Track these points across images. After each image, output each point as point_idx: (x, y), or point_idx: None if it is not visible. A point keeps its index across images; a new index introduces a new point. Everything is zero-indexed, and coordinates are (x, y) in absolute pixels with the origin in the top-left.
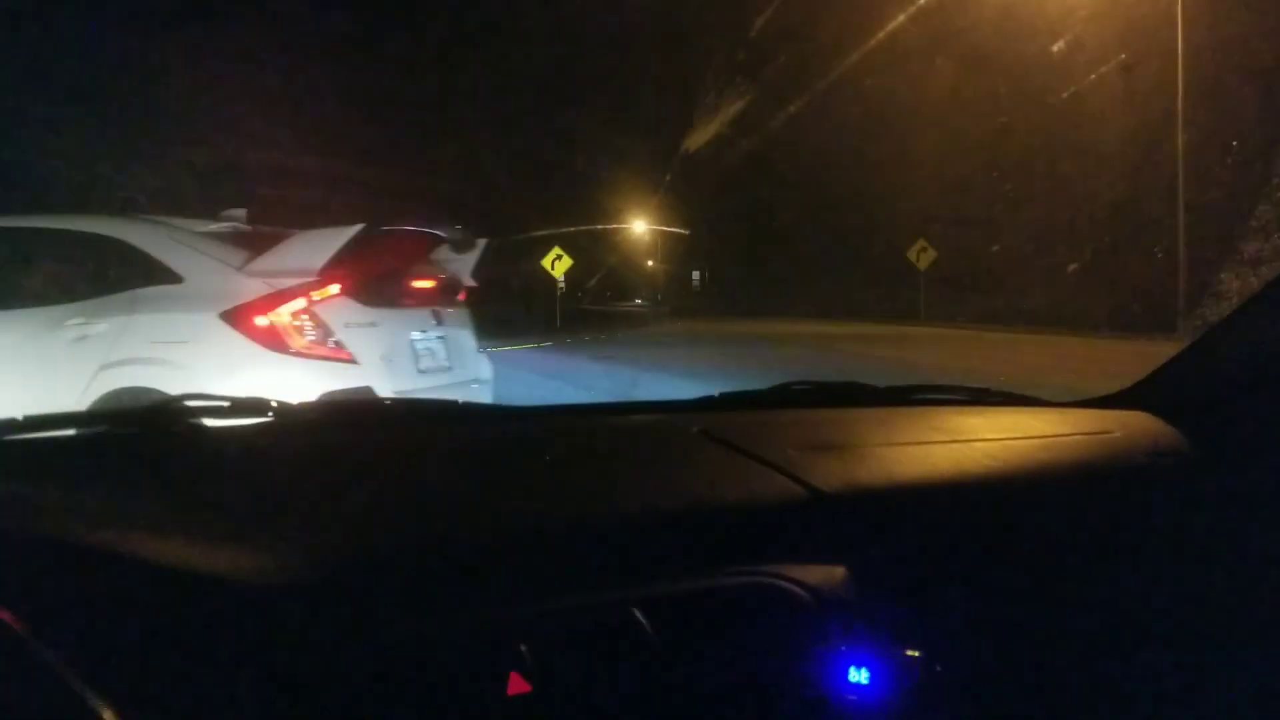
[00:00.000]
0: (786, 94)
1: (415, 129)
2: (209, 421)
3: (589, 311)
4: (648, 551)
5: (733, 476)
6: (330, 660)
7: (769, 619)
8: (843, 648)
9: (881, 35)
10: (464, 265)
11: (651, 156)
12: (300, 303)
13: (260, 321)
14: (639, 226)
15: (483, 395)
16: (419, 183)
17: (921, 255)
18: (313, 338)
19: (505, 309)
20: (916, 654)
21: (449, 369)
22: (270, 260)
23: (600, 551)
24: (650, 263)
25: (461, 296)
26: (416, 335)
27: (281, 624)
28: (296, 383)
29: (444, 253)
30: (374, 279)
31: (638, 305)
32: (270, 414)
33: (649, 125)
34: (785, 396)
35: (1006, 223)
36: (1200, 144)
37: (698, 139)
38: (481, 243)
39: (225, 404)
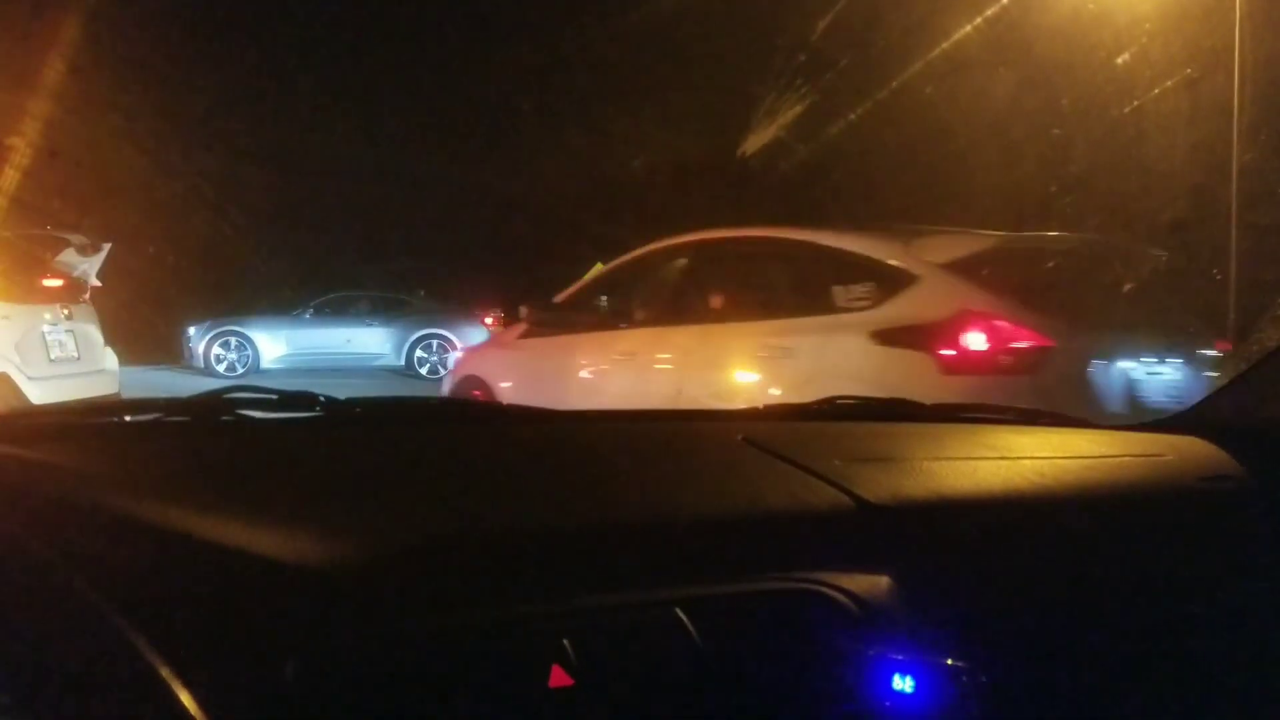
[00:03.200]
0: (844, 99)
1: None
2: (255, 413)
3: None
4: (692, 554)
5: (777, 484)
6: (379, 644)
7: (812, 625)
8: (886, 655)
9: (944, 43)
10: (90, 267)
11: (690, 164)
12: None
13: None
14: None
15: (108, 385)
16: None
17: None
18: None
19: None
20: (960, 664)
21: (78, 359)
22: None
23: (645, 552)
24: None
25: (86, 295)
26: (47, 328)
27: (332, 607)
28: None
29: (70, 255)
30: (6, 277)
31: None
32: (316, 408)
33: (685, 132)
34: (829, 409)
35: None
36: (1262, 164)
37: (753, 143)
38: (106, 246)
39: (273, 397)
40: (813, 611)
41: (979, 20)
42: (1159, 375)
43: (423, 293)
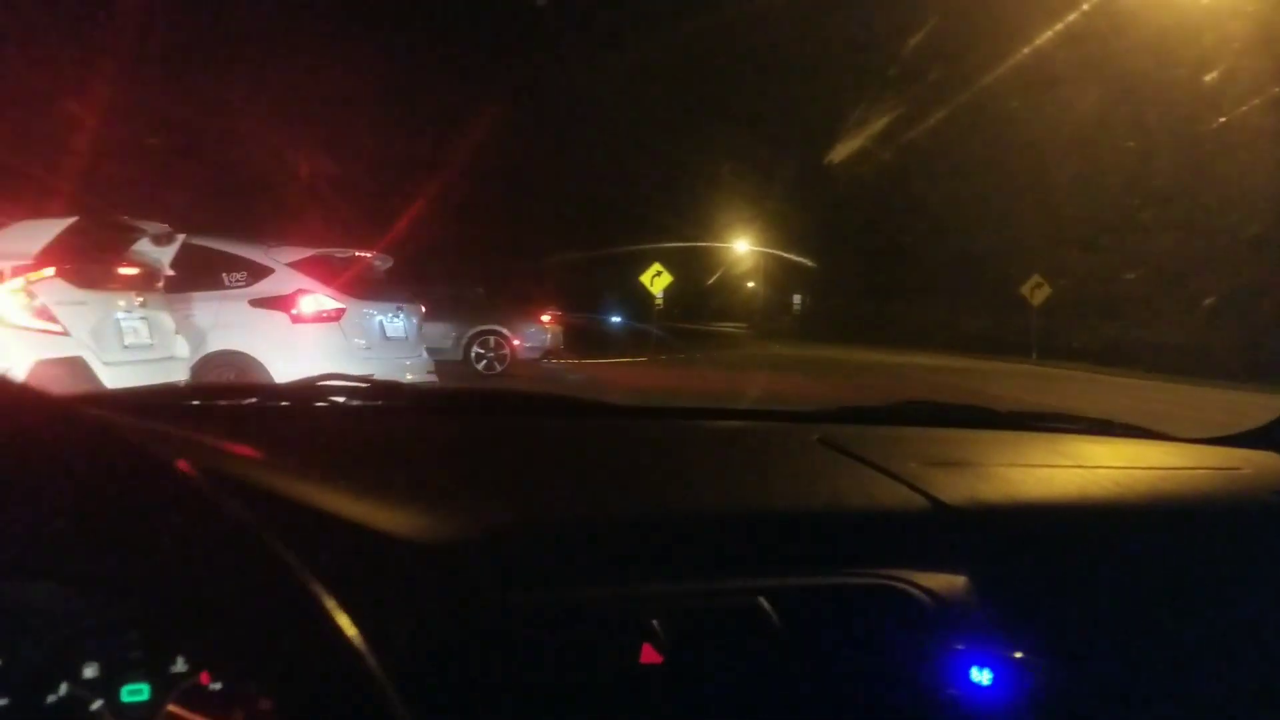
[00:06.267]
0: (930, 113)
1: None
2: (348, 400)
3: (684, 329)
4: (773, 547)
5: (855, 484)
6: (483, 616)
7: (890, 619)
8: (963, 650)
9: (1032, 57)
10: (164, 256)
11: (762, 175)
12: (18, 282)
13: None
14: (741, 246)
15: (179, 371)
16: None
17: (1036, 291)
18: (28, 313)
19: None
20: (1034, 659)
21: (151, 345)
22: None
23: (729, 543)
24: (750, 284)
25: (160, 284)
26: (121, 315)
27: (439, 579)
28: (14, 352)
29: (145, 245)
30: (84, 264)
31: (734, 326)
32: (404, 398)
33: (759, 145)
34: (903, 413)
35: (1141, 253)
36: None
37: (838, 154)
38: (180, 237)
39: (364, 385)
40: (892, 606)
41: (1066, 37)
42: (395, 319)
43: (481, 290)
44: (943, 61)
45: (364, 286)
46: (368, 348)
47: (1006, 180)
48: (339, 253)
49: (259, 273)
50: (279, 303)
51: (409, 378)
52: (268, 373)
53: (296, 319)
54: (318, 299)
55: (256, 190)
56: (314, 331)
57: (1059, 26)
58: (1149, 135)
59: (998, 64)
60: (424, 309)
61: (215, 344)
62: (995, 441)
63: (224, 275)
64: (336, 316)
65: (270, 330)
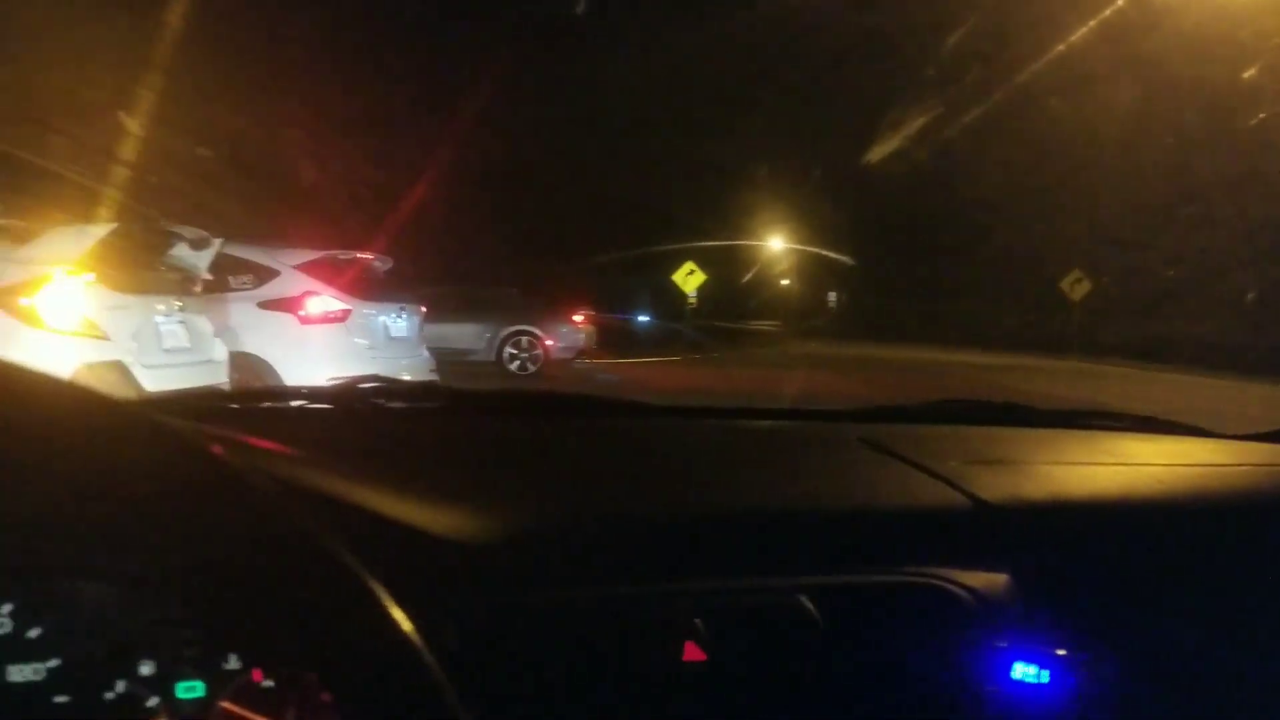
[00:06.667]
0: (968, 111)
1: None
2: (386, 401)
3: (718, 328)
4: (815, 545)
5: (895, 483)
6: (528, 613)
7: (931, 617)
8: (1005, 648)
9: (1070, 54)
10: (201, 261)
11: (796, 173)
12: (58, 286)
13: (22, 303)
14: (776, 244)
15: (217, 374)
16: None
17: (1075, 286)
18: (69, 318)
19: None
20: (1077, 656)
21: (189, 349)
22: (32, 250)
23: (770, 541)
24: (785, 281)
25: (198, 288)
26: (160, 318)
27: (485, 577)
28: (56, 355)
29: (183, 250)
30: (124, 269)
31: (768, 324)
32: (443, 399)
33: (794, 142)
34: (943, 411)
35: (1182, 248)
36: None
37: (876, 153)
38: (217, 241)
39: (404, 388)
40: (934, 605)
41: (1103, 33)
42: (399, 319)
43: (514, 289)
44: (980, 58)
45: (366, 288)
46: (372, 348)
47: (1046, 177)
48: (342, 254)
49: (265, 275)
50: (287, 304)
51: (411, 376)
52: (277, 374)
53: (305, 320)
54: (325, 300)
55: (274, 194)
56: (322, 332)
57: (1095, 23)
58: (1189, 131)
59: (1035, 61)
60: (456, 309)
61: (226, 346)
62: (1036, 439)
63: (230, 278)
64: (343, 317)
65: (279, 332)
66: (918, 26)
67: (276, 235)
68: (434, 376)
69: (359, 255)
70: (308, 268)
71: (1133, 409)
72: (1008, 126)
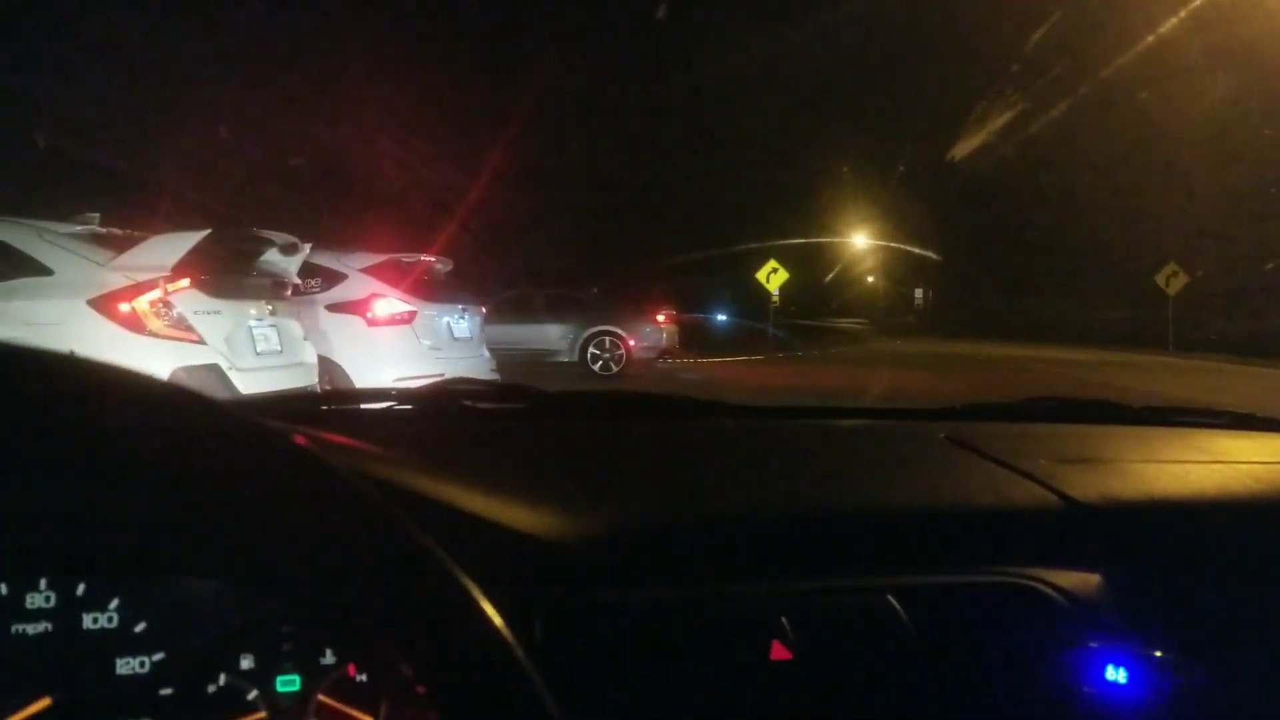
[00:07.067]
0: (1055, 106)
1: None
2: (475, 403)
3: (802, 326)
4: (903, 545)
5: (984, 482)
6: (615, 611)
7: (1021, 617)
8: (1098, 648)
9: (1159, 46)
10: (291, 265)
11: (880, 170)
12: (157, 293)
13: (123, 308)
14: (860, 241)
15: (308, 376)
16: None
17: (1171, 280)
18: (167, 322)
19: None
20: (1172, 657)
21: (280, 352)
22: (131, 257)
23: (857, 540)
24: (870, 279)
25: (289, 292)
26: (253, 322)
27: (571, 575)
28: (154, 359)
29: (274, 255)
30: (218, 274)
31: (853, 322)
32: (530, 400)
33: (878, 138)
34: (1031, 410)
35: (1278, 242)
36: None
37: (961, 149)
38: (306, 247)
39: (491, 389)
40: (1024, 605)
41: (1193, 24)
42: (461, 320)
43: (596, 290)
44: (1067, 53)
45: (429, 289)
46: (436, 348)
47: (1137, 171)
48: (405, 257)
49: (333, 278)
50: (355, 307)
51: (473, 375)
52: (347, 375)
53: (372, 322)
54: (391, 302)
55: (363, 201)
56: (389, 334)
57: (1185, 13)
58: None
59: (1123, 53)
60: (539, 310)
61: None
62: (1128, 437)
63: (301, 281)
64: (409, 319)
65: (348, 334)
66: (1003, 20)
67: (341, 238)
68: (495, 376)
69: (422, 257)
70: (373, 270)
71: (1229, 405)
72: (1096, 120)
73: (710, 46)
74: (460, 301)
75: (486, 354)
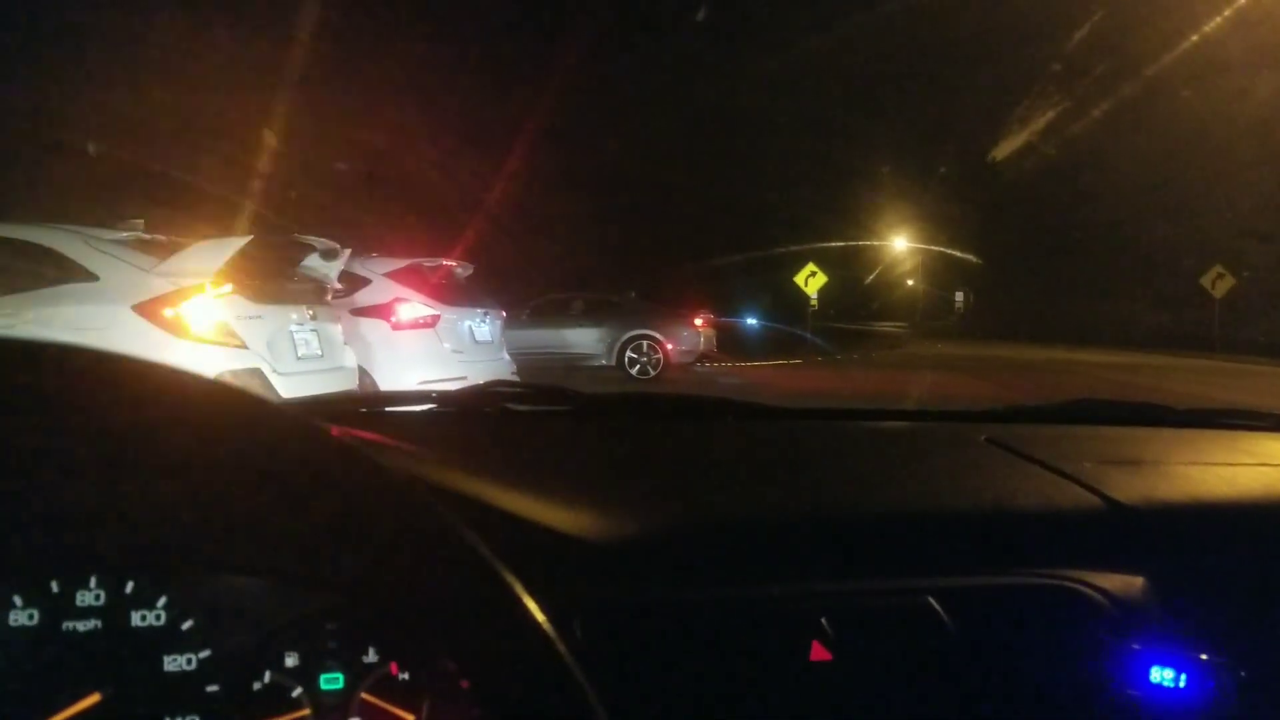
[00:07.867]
0: (1098, 106)
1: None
2: (515, 405)
3: (841, 330)
4: (944, 546)
5: (1026, 484)
6: (655, 611)
7: (1064, 619)
8: (1142, 650)
9: (1202, 44)
10: (331, 270)
11: (920, 172)
12: (200, 298)
13: (167, 313)
14: (900, 244)
15: (348, 380)
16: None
17: (1218, 282)
18: (211, 327)
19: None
20: (1218, 660)
21: (321, 356)
22: (175, 263)
23: (898, 542)
24: (910, 282)
25: (329, 296)
26: (294, 327)
27: (611, 575)
28: (197, 364)
29: (314, 260)
30: (259, 280)
31: (893, 326)
32: (570, 402)
33: (918, 140)
34: (1075, 411)
35: None
36: None
37: (1003, 150)
38: (345, 252)
39: (532, 391)
40: (1066, 607)
41: (1236, 22)
42: (482, 324)
43: (633, 293)
44: (1109, 52)
45: (451, 293)
46: (458, 351)
47: (1180, 171)
48: (427, 262)
49: (357, 283)
50: (379, 311)
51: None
52: (372, 379)
53: (396, 326)
54: (415, 306)
55: (405, 205)
56: (413, 337)
57: (1230, 10)
58: None
59: (1166, 52)
60: (577, 314)
61: None
62: (1173, 439)
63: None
64: (432, 323)
65: (372, 337)
66: (1045, 20)
67: (382, 242)
68: (515, 378)
69: (443, 262)
70: (396, 275)
71: (1275, 408)
72: (1139, 119)
73: (750, 47)
74: (481, 305)
75: (506, 357)
